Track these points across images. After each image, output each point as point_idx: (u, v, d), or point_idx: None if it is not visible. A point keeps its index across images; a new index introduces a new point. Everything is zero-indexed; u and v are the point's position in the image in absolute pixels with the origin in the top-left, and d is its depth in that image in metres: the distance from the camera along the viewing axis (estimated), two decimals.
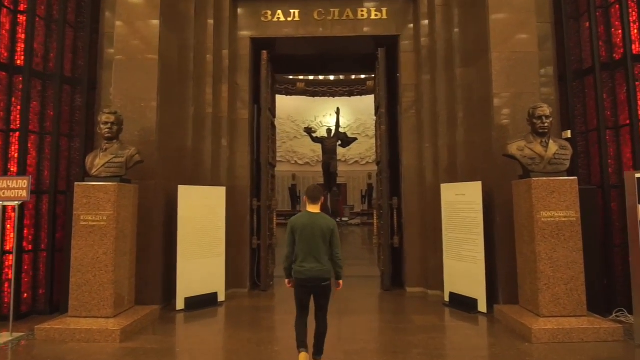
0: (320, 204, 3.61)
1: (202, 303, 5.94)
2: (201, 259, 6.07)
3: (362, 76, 31.05)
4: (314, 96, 30.63)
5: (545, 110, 4.96)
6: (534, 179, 4.76)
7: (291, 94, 30.44)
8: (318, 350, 3.51)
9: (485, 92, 5.83)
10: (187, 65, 6.55)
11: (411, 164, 6.94)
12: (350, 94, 30.24)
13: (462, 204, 5.90)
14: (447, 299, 6.03)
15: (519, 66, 5.67)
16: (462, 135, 6.33)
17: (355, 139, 24.18)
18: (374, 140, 29.49)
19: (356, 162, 32.41)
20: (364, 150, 32.33)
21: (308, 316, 3.58)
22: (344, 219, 21.21)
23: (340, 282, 3.72)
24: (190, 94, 6.51)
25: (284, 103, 31.98)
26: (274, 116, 8.12)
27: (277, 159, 32.10)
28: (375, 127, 7.94)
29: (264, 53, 7.28)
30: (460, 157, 6.33)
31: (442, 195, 6.25)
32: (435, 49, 6.73)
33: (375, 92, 8.09)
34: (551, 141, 4.98)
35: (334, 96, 30.06)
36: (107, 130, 5.23)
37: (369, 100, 32.41)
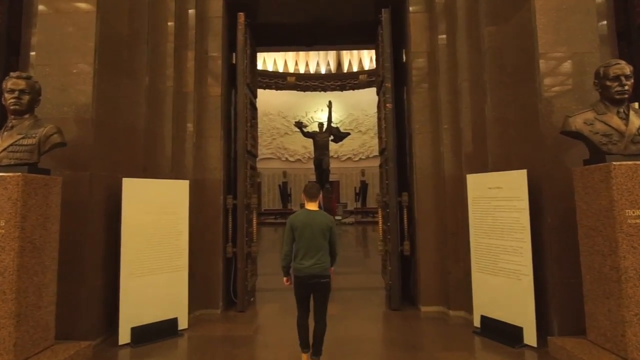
0: (318, 201, 3.65)
1: (156, 333, 4.39)
2: (155, 274, 4.51)
3: (355, 69, 29.70)
4: (304, 90, 29.12)
5: (624, 67, 3.51)
6: (615, 163, 3.29)
7: (281, 89, 28.90)
8: (316, 350, 3.49)
9: (526, 54, 4.37)
10: (141, 26, 4.98)
11: (424, 150, 5.45)
12: (342, 88, 28.79)
13: (497, 200, 4.42)
14: (477, 323, 4.54)
15: (572, 18, 4.21)
16: (492, 112, 4.83)
17: (348, 134, 22.66)
18: (366, 136, 28.16)
19: (349, 158, 30.98)
20: (356, 146, 30.94)
21: (309, 316, 3.56)
22: (337, 217, 19.69)
23: (332, 268, 3.64)
24: (143, 62, 4.93)
25: (274, 98, 30.45)
26: (255, 95, 6.57)
27: (267, 155, 30.46)
28: (378, 107, 6.43)
29: (241, 16, 5.72)
30: (491, 139, 4.83)
31: (468, 190, 4.77)
32: (454, 4, 5.24)
33: (377, 64, 6.58)
34: (631, 112, 3.52)
35: (325, 90, 28.59)
36: (13, 100, 3.70)
37: (361, 95, 31.08)
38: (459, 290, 5.02)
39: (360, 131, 30.36)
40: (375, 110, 25.27)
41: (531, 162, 4.27)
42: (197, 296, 5.20)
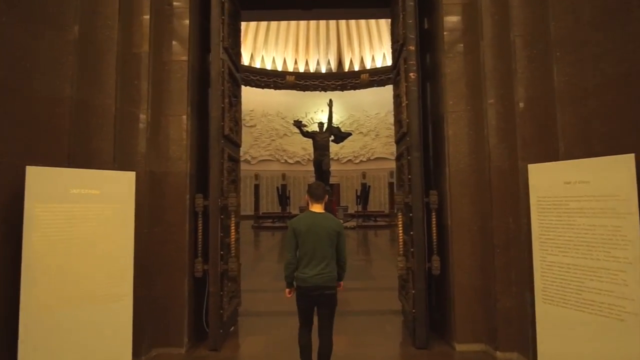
0: (324, 202, 3.21)
1: None
2: (80, 306, 3.03)
3: (356, 68, 28.31)
4: (304, 90, 27.70)
5: None
6: None
7: (280, 88, 27.49)
8: None
9: None
10: None
11: (461, 135, 3.98)
12: (343, 87, 27.38)
13: (581, 199, 2.93)
14: None
15: None
16: (563, 77, 3.36)
17: (349, 134, 21.18)
18: (368, 138, 26.73)
19: (349, 160, 29.53)
20: (357, 148, 29.50)
21: (312, 330, 3.16)
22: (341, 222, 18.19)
23: (342, 283, 3.28)
24: (70, 5, 3.45)
25: (273, 98, 29.03)
26: (238, 68, 5.09)
27: (266, 157, 29.19)
28: (395, 83, 4.94)
29: None
30: (562, 116, 3.35)
31: (531, 186, 3.28)
32: None
33: (394, 25, 5.09)
34: None
35: (325, 90, 27.16)
36: None
37: (362, 95, 29.66)
38: (511, 324, 3.55)
39: (361, 132, 28.96)
40: (377, 112, 24.01)
41: (630, 144, 2.80)
42: (153, 330, 3.73)
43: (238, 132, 4.97)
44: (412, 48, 4.11)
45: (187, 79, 4.13)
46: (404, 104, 4.25)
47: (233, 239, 4.11)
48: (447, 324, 4.04)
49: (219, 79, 4.14)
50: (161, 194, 3.93)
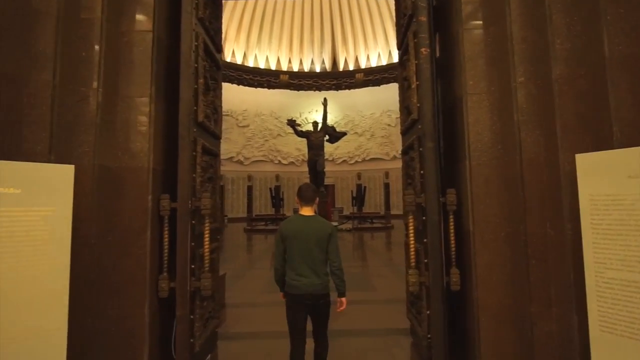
0: (314, 205, 3.06)
1: None
2: None
3: (351, 68, 27.63)
4: (298, 90, 26.97)
5: None
6: None
7: (274, 87, 26.73)
8: None
9: None
10: None
11: (483, 121, 3.24)
12: (337, 87, 26.69)
13: None
14: None
15: None
16: (616, 46, 2.64)
17: (344, 134, 20.48)
18: (362, 138, 26.23)
19: (344, 161, 28.83)
20: (352, 148, 28.82)
21: (305, 344, 2.93)
22: (333, 223, 17.45)
23: (344, 300, 3.03)
24: None
25: (266, 98, 28.25)
26: (219, 49, 4.32)
27: (259, 158, 28.67)
28: (401, 63, 4.17)
29: None
30: (616, 94, 2.63)
31: (580, 181, 2.56)
32: None
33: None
34: None
35: (320, 89, 26.45)
36: None
37: (357, 95, 28.91)
38: (552, 354, 2.83)
39: (356, 133, 28.32)
40: (372, 112, 23.49)
41: None
42: None
43: (217, 122, 4.21)
44: (424, 19, 3.38)
45: (151, 54, 3.35)
46: (413, 86, 3.51)
47: (207, 250, 3.34)
48: (469, 350, 3.30)
49: (190, 54, 3.38)
50: (116, 195, 3.16)
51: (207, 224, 3.33)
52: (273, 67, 27.13)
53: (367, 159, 28.45)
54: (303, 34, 27.41)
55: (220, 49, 4.38)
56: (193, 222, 3.32)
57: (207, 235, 3.32)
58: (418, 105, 3.41)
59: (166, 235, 3.29)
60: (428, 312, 3.21)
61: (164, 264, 3.28)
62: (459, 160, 3.40)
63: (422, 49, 3.36)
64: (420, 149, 3.37)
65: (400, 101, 4.27)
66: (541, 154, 2.95)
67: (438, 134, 3.65)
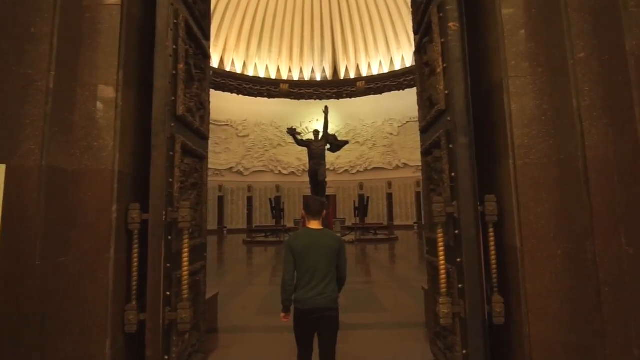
0: (321, 218, 2.99)
1: None
2: None
3: (352, 76, 27.15)
4: (299, 99, 26.45)
5: None
6: None
7: (274, 96, 26.21)
8: None
9: None
10: None
11: (530, 109, 2.58)
12: (338, 96, 26.17)
13: None
14: None
15: None
16: None
17: (346, 142, 19.81)
18: (364, 148, 25.53)
19: (346, 171, 28.13)
20: (354, 158, 28.15)
21: (312, 354, 2.83)
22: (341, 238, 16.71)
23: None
24: None
25: (267, 107, 27.70)
26: (207, 35, 3.70)
27: (260, 168, 28.01)
28: (420, 45, 3.48)
29: None
30: None
31: None
32: None
33: None
34: None
35: (320, 98, 25.91)
36: None
37: (358, 104, 28.31)
38: None
39: (357, 142, 27.69)
40: (374, 120, 22.93)
41: None
42: None
43: (204, 119, 3.56)
44: None
45: (119, 33, 2.72)
46: (439, 70, 2.87)
47: (186, 272, 2.66)
48: None
49: (167, 32, 2.75)
50: (72, 204, 2.49)
51: (185, 240, 2.66)
52: (273, 76, 26.65)
53: (369, 168, 27.79)
54: (303, 42, 27.00)
55: (208, 36, 3.75)
56: (169, 237, 2.66)
57: (185, 254, 2.65)
58: (446, 92, 2.77)
59: (135, 255, 2.62)
60: (464, 351, 2.51)
61: (132, 290, 2.61)
62: (498, 159, 2.74)
63: (451, 24, 2.73)
64: (450, 146, 2.72)
65: (418, 93, 3.63)
66: (610, 150, 2.29)
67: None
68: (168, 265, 2.63)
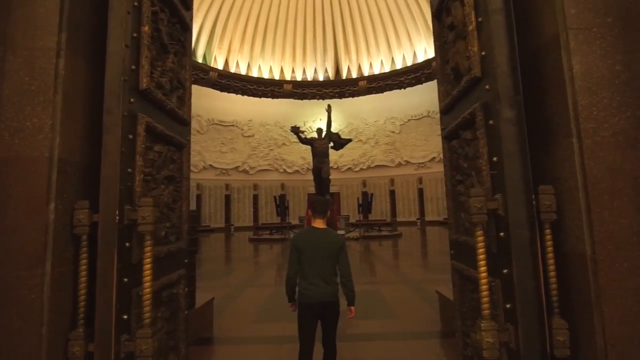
0: (326, 218, 3.08)
1: None
2: None
3: (354, 76, 26.41)
4: (302, 99, 25.76)
5: None
6: None
7: (277, 97, 25.54)
8: None
9: None
10: None
11: (598, 70, 1.86)
12: (341, 95, 25.45)
13: None
14: None
15: None
16: None
17: (349, 140, 19.09)
18: (367, 146, 25.00)
19: (349, 169, 27.43)
20: (357, 156, 27.45)
21: (314, 346, 2.85)
22: (339, 232, 16.00)
23: (353, 308, 2.94)
24: None
25: (270, 108, 27.03)
26: (188, 5, 3.00)
27: (265, 167, 27.61)
28: (443, 6, 2.76)
29: None
30: None
31: None
32: None
33: None
34: None
35: (323, 98, 25.22)
36: None
37: (360, 103, 27.53)
38: None
39: (360, 140, 26.99)
40: (376, 119, 22.35)
41: None
42: None
43: (184, 101, 2.85)
44: None
45: None
46: (470, 28, 2.15)
47: (148, 289, 1.96)
48: None
49: None
50: None
51: (147, 248, 1.95)
52: (277, 77, 25.97)
53: (371, 166, 27.08)
54: (306, 43, 26.26)
55: (189, 6, 3.05)
56: (126, 244, 1.96)
57: (147, 266, 1.94)
58: (482, 54, 2.05)
59: (83, 267, 1.93)
60: None
61: (78, 313, 1.92)
62: (554, 139, 2.01)
63: None
64: (490, 122, 2.00)
65: (438, 66, 2.89)
66: None
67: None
68: (125, 280, 1.93)
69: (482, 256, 1.91)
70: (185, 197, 2.81)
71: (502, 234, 1.92)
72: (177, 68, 2.72)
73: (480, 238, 1.91)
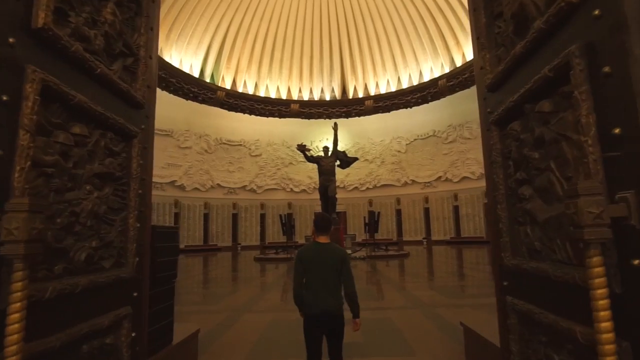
0: (329, 234, 3.01)
1: None
2: None
3: (360, 95, 25.87)
4: (309, 118, 25.20)
5: None
6: None
7: (284, 116, 25.03)
8: None
9: None
10: None
11: None
12: (347, 114, 24.86)
13: None
14: None
15: None
16: None
17: (356, 159, 18.32)
18: (373, 165, 23.91)
19: (355, 188, 26.55)
20: (363, 175, 26.61)
21: (321, 357, 2.78)
22: (346, 251, 15.00)
23: (358, 320, 2.87)
24: None
25: (278, 127, 26.48)
26: None
27: (272, 186, 26.80)
28: None
29: None
30: None
31: None
32: None
33: None
34: None
35: (330, 117, 24.63)
36: None
37: (367, 122, 26.81)
38: None
39: (366, 160, 26.25)
40: (382, 139, 21.58)
41: None
42: None
43: (137, 76, 2.05)
44: None
45: None
46: None
47: (13, 347, 1.10)
48: None
49: None
50: None
51: (17, 281, 1.09)
52: (284, 97, 25.56)
53: (378, 185, 26.20)
54: (312, 63, 25.92)
55: None
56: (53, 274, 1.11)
57: (14, 315, 1.08)
58: None
59: None
60: None
61: None
62: None
63: None
64: (606, 70, 1.14)
65: (481, 27, 2.06)
66: None
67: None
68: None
69: (602, 301, 1.02)
70: (135, 206, 1.97)
71: (636, 261, 1.04)
72: (122, 27, 1.93)
73: (599, 269, 1.02)
